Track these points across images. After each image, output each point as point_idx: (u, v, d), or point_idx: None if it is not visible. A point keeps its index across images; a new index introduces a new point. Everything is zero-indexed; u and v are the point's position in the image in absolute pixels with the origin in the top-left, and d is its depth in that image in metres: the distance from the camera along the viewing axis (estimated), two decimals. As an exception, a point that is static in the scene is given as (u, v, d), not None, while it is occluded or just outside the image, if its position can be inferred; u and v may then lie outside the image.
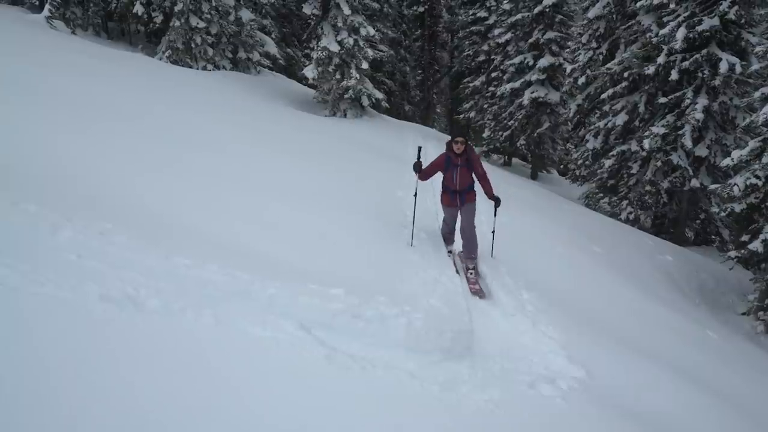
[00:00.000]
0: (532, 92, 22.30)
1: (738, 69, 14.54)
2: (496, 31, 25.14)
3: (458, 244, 7.37)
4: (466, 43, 31.11)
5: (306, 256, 5.73)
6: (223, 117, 11.37)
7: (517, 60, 22.91)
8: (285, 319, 3.97)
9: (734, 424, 5.19)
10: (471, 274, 6.79)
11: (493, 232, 7.44)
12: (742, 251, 11.76)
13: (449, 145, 6.89)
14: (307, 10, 19.01)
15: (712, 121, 15.79)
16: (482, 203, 7.27)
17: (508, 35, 24.06)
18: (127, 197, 5.63)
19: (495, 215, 7.35)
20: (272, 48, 22.61)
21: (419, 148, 7.55)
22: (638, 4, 16.63)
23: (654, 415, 4.57)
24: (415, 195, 7.49)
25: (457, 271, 6.81)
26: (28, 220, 4.21)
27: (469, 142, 6.93)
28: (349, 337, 4.18)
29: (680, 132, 15.43)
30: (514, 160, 29.78)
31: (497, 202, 7.11)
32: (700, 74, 15.19)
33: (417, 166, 7.12)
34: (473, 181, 6.99)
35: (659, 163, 16.37)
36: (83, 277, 3.58)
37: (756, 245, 11.31)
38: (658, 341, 6.94)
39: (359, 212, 8.12)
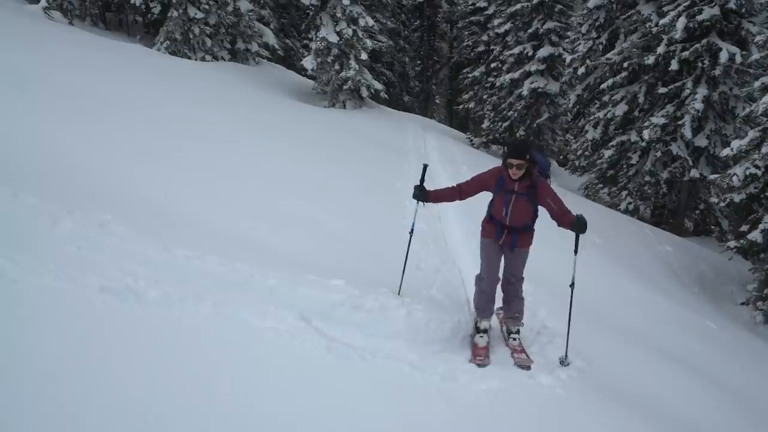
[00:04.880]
0: (532, 83, 22.22)
1: (738, 59, 14.51)
2: (496, 22, 25.02)
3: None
4: (466, 33, 31.01)
5: (306, 247, 5.74)
6: (221, 108, 11.34)
7: (516, 50, 22.81)
8: (285, 309, 3.98)
9: (733, 412, 5.22)
10: (515, 339, 4.80)
11: (572, 285, 4.71)
12: (742, 241, 11.78)
13: (504, 164, 4.41)
14: (305, 0, 18.92)
15: (712, 111, 15.77)
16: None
17: (508, 25, 23.94)
18: (126, 188, 5.63)
19: (576, 251, 4.64)
20: (271, 39, 22.50)
21: (424, 167, 5.01)
22: (638, -6, 16.59)
23: (653, 404, 4.59)
24: (411, 232, 5.20)
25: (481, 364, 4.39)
26: (29, 212, 4.21)
27: (536, 160, 4.44)
28: (349, 327, 4.19)
29: (680, 122, 15.42)
30: (514, 150, 29.69)
31: (581, 227, 4.36)
32: (700, 64, 15.15)
33: (419, 192, 4.79)
34: (533, 220, 4.59)
35: (659, 154, 16.36)
36: (83, 268, 3.58)
37: (755, 235, 11.32)
38: (658, 331, 6.96)
39: (359, 203, 8.12)
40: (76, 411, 2.33)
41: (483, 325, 4.75)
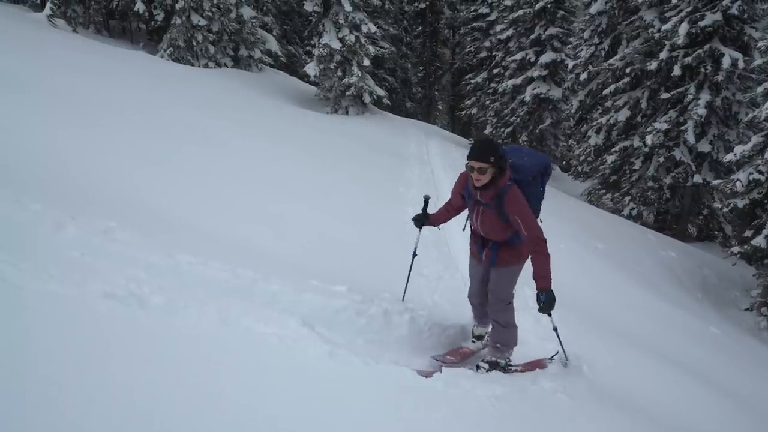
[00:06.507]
0: (534, 88, 22.24)
1: (741, 64, 14.52)
2: (498, 27, 25.07)
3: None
4: (468, 39, 31.11)
5: (309, 253, 5.74)
6: (225, 114, 11.37)
7: (518, 56, 22.85)
8: (288, 315, 3.97)
9: (735, 416, 5.20)
10: (479, 368, 4.25)
11: (555, 329, 4.42)
12: (745, 247, 11.76)
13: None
14: (308, 7, 19.00)
15: (715, 117, 15.77)
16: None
17: (510, 31, 24.00)
18: (129, 194, 5.64)
19: (555, 329, 4.40)
20: (273, 45, 22.60)
21: (426, 199, 4.60)
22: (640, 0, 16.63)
23: (655, 409, 4.57)
24: (415, 255, 4.93)
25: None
26: (32, 218, 4.22)
27: (503, 166, 3.69)
28: (352, 333, 4.19)
29: (683, 128, 15.42)
30: (516, 156, 29.70)
31: (545, 303, 3.89)
32: (702, 70, 15.16)
33: (419, 220, 4.48)
34: (514, 233, 3.92)
35: (662, 159, 16.36)
36: (87, 274, 3.59)
37: (759, 241, 11.31)
38: (660, 336, 6.94)
39: (362, 209, 8.12)
40: (78, 418, 2.33)
41: (478, 330, 4.55)
